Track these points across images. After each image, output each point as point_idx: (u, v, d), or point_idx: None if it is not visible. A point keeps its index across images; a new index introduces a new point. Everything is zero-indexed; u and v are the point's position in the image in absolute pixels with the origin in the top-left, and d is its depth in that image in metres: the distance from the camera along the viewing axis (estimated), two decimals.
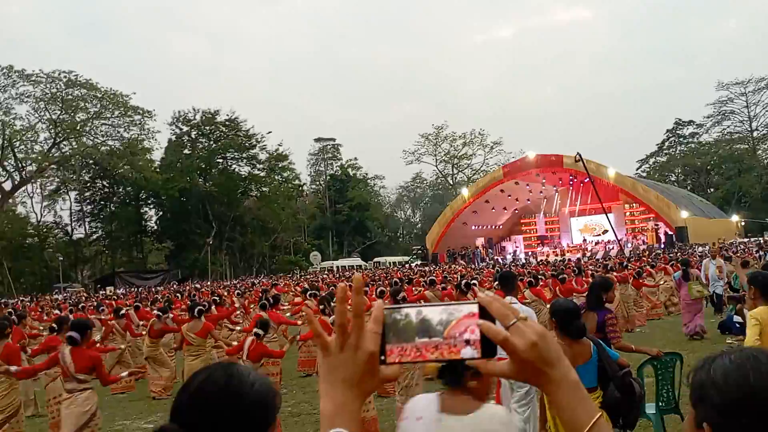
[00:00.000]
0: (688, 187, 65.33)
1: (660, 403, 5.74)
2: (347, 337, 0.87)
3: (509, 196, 45.58)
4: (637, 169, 73.01)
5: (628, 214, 42.70)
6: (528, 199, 47.74)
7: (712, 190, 67.05)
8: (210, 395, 1.16)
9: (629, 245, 37.73)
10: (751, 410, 0.92)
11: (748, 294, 4.73)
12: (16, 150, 53.27)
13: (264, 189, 64.05)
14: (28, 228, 55.88)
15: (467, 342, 0.85)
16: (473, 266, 35.41)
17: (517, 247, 47.43)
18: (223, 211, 59.73)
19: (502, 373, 0.89)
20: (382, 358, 0.87)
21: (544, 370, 0.86)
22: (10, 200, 54.55)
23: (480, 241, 47.25)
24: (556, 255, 37.99)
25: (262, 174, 64.14)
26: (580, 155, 32.52)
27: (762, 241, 32.16)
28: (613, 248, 36.94)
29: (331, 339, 0.88)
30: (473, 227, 47.23)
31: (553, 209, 46.70)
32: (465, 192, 46.66)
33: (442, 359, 0.87)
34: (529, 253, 43.60)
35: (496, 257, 44.44)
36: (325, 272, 45.92)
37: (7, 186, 53.86)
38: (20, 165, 54.05)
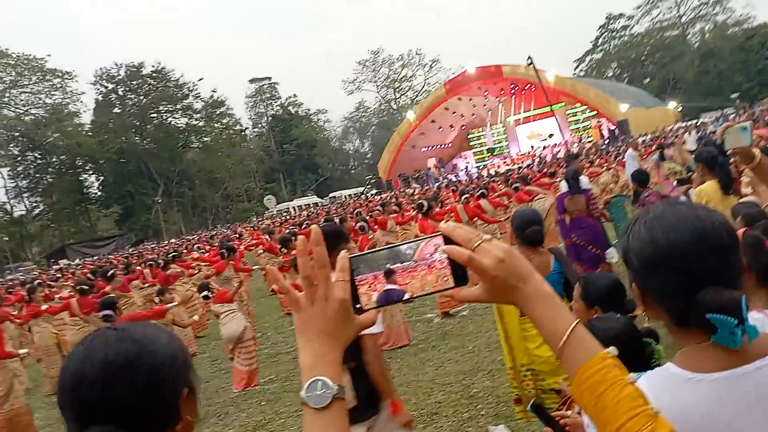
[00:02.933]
0: (626, 80, 66.38)
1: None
2: (315, 289, 0.86)
3: (454, 113, 45.48)
4: (575, 69, 73.69)
5: (570, 114, 43.32)
6: (473, 114, 47.76)
7: (648, 80, 68.35)
8: (89, 372, 0.92)
9: (575, 146, 38.53)
10: (661, 268, 1.00)
11: (696, 173, 4.86)
12: None
13: (205, 139, 62.17)
14: None
15: (437, 265, 0.86)
16: (428, 187, 35.68)
17: (468, 162, 47.84)
18: (167, 167, 57.90)
19: (476, 298, 0.90)
20: (357, 306, 0.88)
21: (515, 285, 0.87)
22: None
23: (431, 162, 47.42)
24: (507, 165, 38.55)
25: (201, 123, 62.12)
26: (531, 59, 32.24)
27: (699, 123, 33.25)
28: (560, 151, 37.66)
29: (301, 294, 0.88)
30: (423, 149, 47.24)
31: (498, 120, 46.98)
32: (410, 115, 46.30)
33: (415, 296, 0.88)
34: (480, 166, 44.12)
35: (448, 176, 44.84)
36: (283, 214, 45.58)
37: None
38: None
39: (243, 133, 69.20)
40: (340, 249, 2.40)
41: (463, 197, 10.75)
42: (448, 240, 0.87)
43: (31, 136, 53.02)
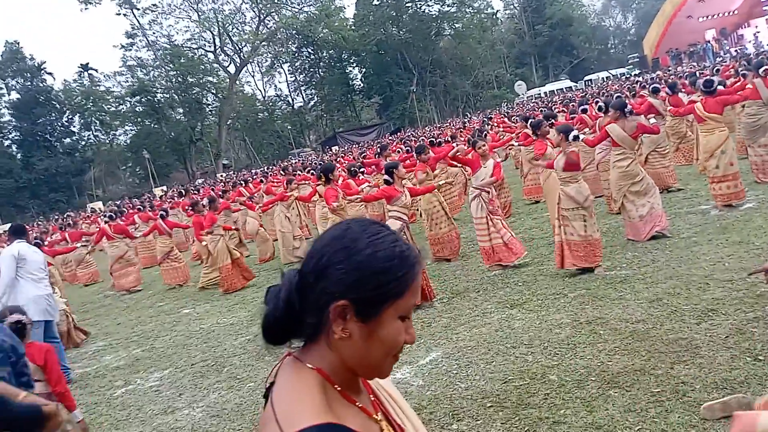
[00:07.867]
0: None
1: None
2: None
3: None
4: None
5: None
6: None
7: None
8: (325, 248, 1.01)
9: None
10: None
11: None
12: (231, 34, 58.33)
13: (457, 25, 61.92)
14: (257, 104, 62.52)
15: None
16: (705, 64, 31.08)
17: (758, 32, 40.11)
18: (421, 57, 59.58)
19: None
20: None
21: None
22: (237, 82, 60.74)
23: (710, 34, 40.87)
24: None
25: (453, 9, 61.68)
26: None
27: None
28: None
29: None
30: (700, 19, 40.77)
31: None
32: None
33: None
34: None
35: (730, 49, 38.30)
36: (533, 101, 44.13)
37: (232, 69, 59.90)
38: (237, 48, 59.31)
39: (494, 16, 67.11)
40: None
41: (761, 69, 9.03)
42: None
43: (305, 33, 58.63)
